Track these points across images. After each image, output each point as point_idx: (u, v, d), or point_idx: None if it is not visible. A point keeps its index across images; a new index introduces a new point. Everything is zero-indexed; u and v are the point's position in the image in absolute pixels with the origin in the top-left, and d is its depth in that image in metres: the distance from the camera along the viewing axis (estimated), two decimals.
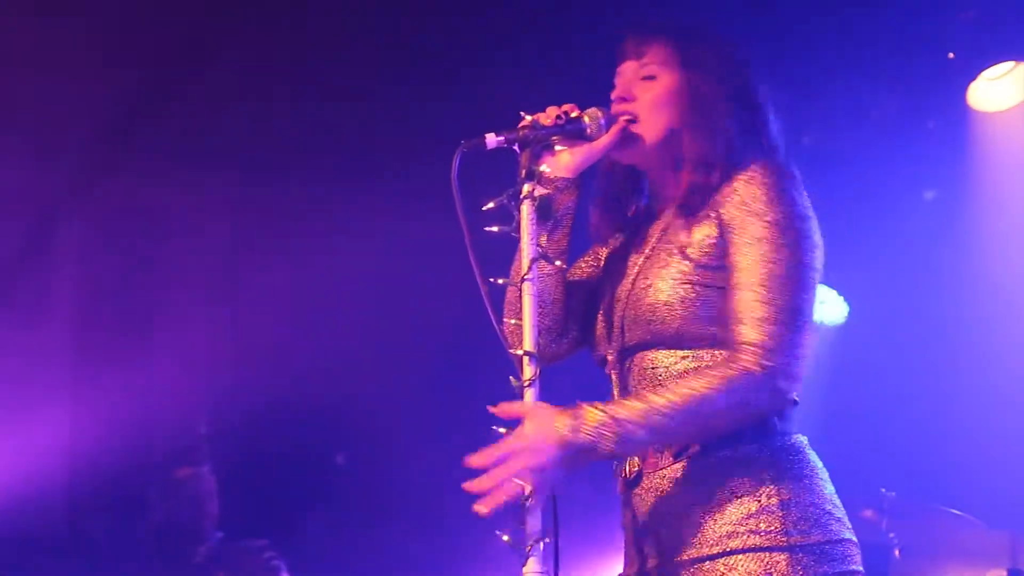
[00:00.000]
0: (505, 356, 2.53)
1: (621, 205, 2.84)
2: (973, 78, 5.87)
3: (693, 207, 2.61)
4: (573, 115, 2.65)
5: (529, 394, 2.48)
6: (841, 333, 6.22)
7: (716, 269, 2.54)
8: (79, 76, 5.36)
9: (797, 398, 2.61)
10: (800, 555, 2.46)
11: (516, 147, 2.61)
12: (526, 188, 2.60)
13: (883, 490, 5.44)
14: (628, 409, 2.40)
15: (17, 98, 5.38)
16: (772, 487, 2.50)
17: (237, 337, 6.01)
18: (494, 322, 2.57)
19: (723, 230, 2.55)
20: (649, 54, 2.71)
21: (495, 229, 2.58)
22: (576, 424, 2.38)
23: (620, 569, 2.69)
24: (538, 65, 5.51)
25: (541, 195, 2.62)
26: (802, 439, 2.59)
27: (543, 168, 2.64)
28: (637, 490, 2.60)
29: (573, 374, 2.80)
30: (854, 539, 2.56)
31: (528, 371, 2.49)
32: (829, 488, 2.56)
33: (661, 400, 2.41)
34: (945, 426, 6.00)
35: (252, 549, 5.25)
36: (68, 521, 5.78)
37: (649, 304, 2.57)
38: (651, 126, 2.67)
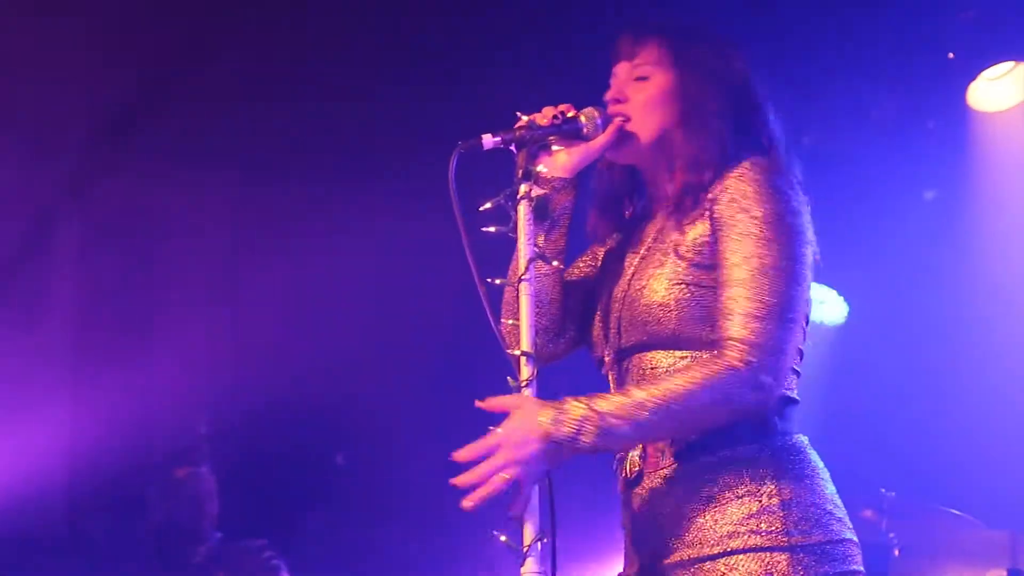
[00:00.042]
0: (504, 356, 2.53)
1: (618, 205, 2.84)
2: (973, 78, 5.88)
3: (687, 206, 2.60)
4: (569, 115, 2.65)
5: (526, 394, 2.48)
6: (841, 333, 6.23)
7: (710, 268, 2.54)
8: (79, 76, 5.36)
9: (797, 397, 2.61)
10: (801, 555, 2.45)
11: (513, 147, 2.61)
12: (523, 188, 2.59)
13: (883, 490, 5.44)
14: (610, 403, 2.41)
15: (17, 98, 5.38)
16: (773, 487, 2.49)
17: (237, 337, 6.01)
18: (492, 322, 2.57)
19: (715, 228, 2.55)
20: (642, 54, 2.70)
21: (492, 229, 2.58)
22: (558, 417, 2.39)
23: (619, 569, 2.69)
24: (538, 65, 5.51)
25: (538, 195, 2.61)
26: (803, 439, 2.59)
27: (540, 168, 2.64)
28: (638, 489, 2.60)
29: (571, 374, 2.80)
30: (855, 539, 2.55)
31: (525, 371, 2.49)
32: (830, 488, 2.56)
33: (643, 395, 2.41)
34: (945, 426, 6.00)
35: (252, 549, 5.25)
36: (68, 521, 5.77)
37: (645, 306, 2.57)
38: (644, 126, 2.67)
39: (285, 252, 5.92)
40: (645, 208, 2.80)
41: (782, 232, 2.50)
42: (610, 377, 2.68)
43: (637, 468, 2.60)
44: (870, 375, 6.24)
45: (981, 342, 6.08)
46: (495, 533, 2.42)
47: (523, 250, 2.57)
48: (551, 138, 2.64)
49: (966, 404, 6.02)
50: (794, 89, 5.48)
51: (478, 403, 2.44)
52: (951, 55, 5.79)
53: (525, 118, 2.63)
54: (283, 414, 5.94)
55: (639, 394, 2.42)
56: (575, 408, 2.40)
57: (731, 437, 2.52)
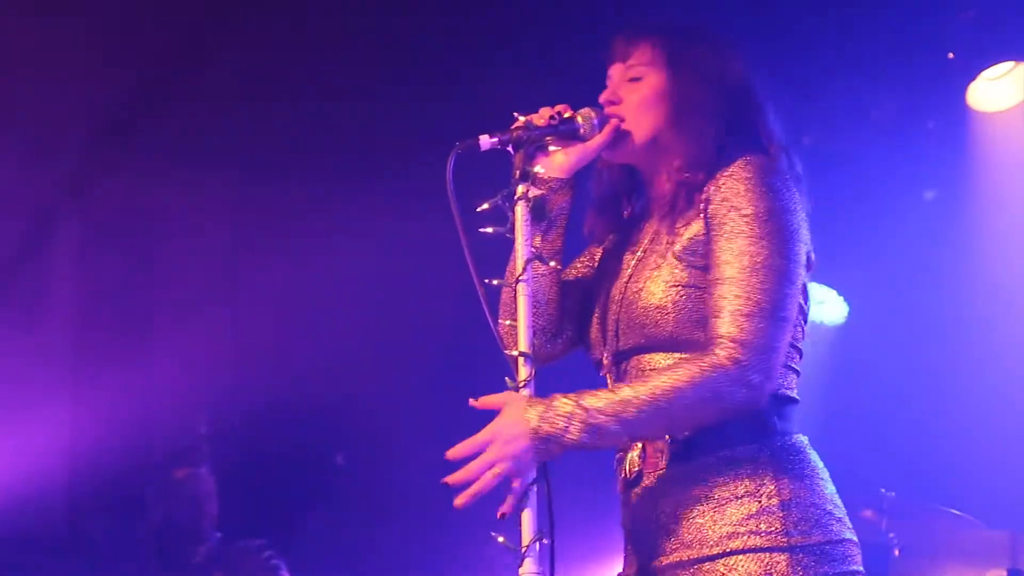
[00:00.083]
0: (504, 356, 2.54)
1: (616, 205, 2.83)
2: (973, 78, 5.87)
3: (681, 206, 2.60)
4: (566, 115, 2.65)
5: (525, 393, 2.48)
6: (841, 333, 6.23)
7: (706, 269, 2.53)
8: (79, 76, 5.36)
9: (797, 396, 2.61)
10: (800, 555, 2.45)
11: (510, 148, 2.61)
12: (520, 189, 2.60)
13: (883, 490, 5.44)
14: (598, 400, 2.41)
15: (17, 98, 5.38)
16: (772, 487, 2.49)
17: (237, 337, 6.01)
18: (490, 323, 2.58)
19: (708, 227, 2.54)
20: (635, 55, 2.70)
21: (490, 230, 2.58)
22: (545, 414, 2.40)
23: (619, 569, 2.69)
24: (538, 65, 5.51)
25: (535, 196, 2.62)
26: (803, 439, 2.59)
27: (537, 169, 2.64)
28: (637, 490, 2.60)
29: (570, 375, 2.80)
30: (855, 539, 2.55)
31: (523, 372, 2.50)
32: (830, 488, 2.56)
33: (631, 392, 2.41)
34: (945, 426, 6.00)
35: (251, 549, 5.25)
36: (68, 521, 5.78)
37: (642, 308, 2.57)
38: (638, 127, 2.66)
39: (285, 252, 5.92)
40: (643, 208, 2.79)
41: (773, 230, 2.49)
42: (609, 379, 2.67)
43: (636, 468, 2.60)
44: (870, 375, 6.24)
45: (981, 342, 6.08)
46: (493, 534, 2.42)
47: (520, 251, 2.57)
48: (548, 139, 2.64)
49: (966, 404, 6.02)
50: (794, 89, 5.49)
51: (471, 402, 2.46)
52: (951, 55, 5.79)
53: (522, 119, 2.63)
54: (283, 414, 5.94)
55: (627, 391, 2.42)
56: (563, 405, 2.41)
57: (730, 437, 2.52)
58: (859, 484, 5.31)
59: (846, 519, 2.55)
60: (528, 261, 2.56)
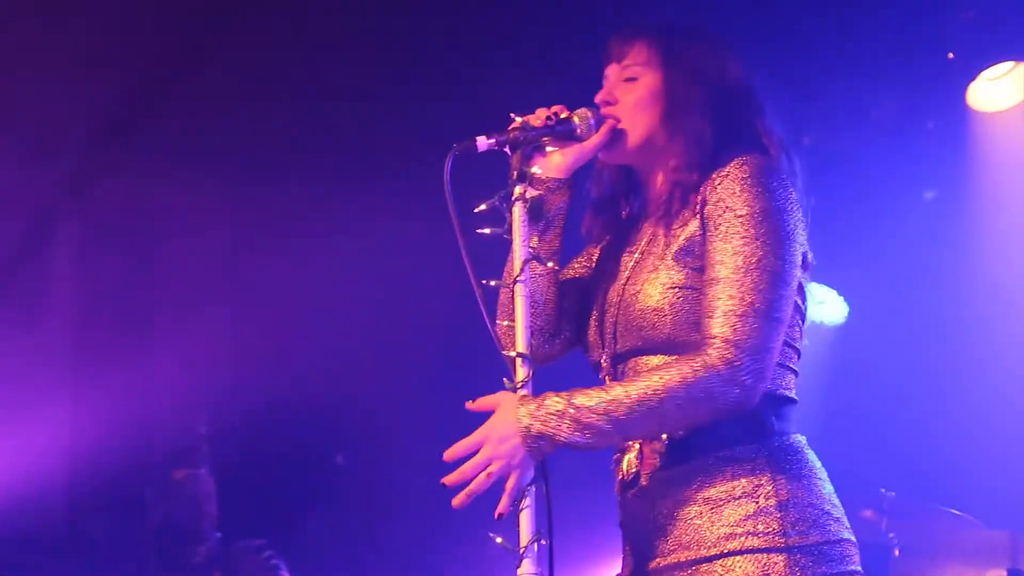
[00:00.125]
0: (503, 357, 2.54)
1: (614, 205, 2.82)
2: (973, 78, 5.87)
3: (678, 207, 2.60)
4: (563, 116, 2.65)
5: (522, 393, 2.48)
6: (841, 333, 6.22)
7: (702, 270, 2.52)
8: (79, 76, 5.36)
9: (795, 396, 2.61)
10: (798, 556, 2.45)
11: (507, 149, 2.61)
12: (517, 190, 2.60)
13: (883, 490, 5.44)
14: (589, 398, 2.41)
15: (17, 98, 5.38)
16: (770, 488, 2.49)
17: (237, 337, 6.00)
18: (488, 324, 2.58)
19: (704, 227, 2.53)
20: (631, 55, 2.69)
21: (487, 231, 2.59)
22: (536, 412, 2.41)
23: (617, 570, 2.69)
24: (538, 65, 5.51)
25: (533, 196, 2.61)
26: (800, 439, 2.58)
27: (534, 169, 2.64)
28: (634, 491, 2.60)
29: (568, 375, 2.80)
30: (853, 539, 2.55)
31: (521, 372, 2.50)
32: (828, 488, 2.55)
33: (622, 391, 2.42)
34: (945, 426, 6.00)
35: (251, 549, 5.26)
36: (68, 521, 5.77)
37: (639, 310, 2.56)
38: (634, 127, 2.66)
39: (285, 252, 5.92)
40: (641, 208, 2.78)
41: (768, 231, 2.49)
42: (607, 381, 2.65)
43: (634, 469, 2.59)
44: (870, 375, 6.24)
45: (981, 342, 6.07)
46: (491, 535, 2.42)
47: (518, 251, 2.57)
48: (545, 139, 2.64)
49: (966, 404, 6.01)
50: (794, 89, 5.49)
51: (468, 405, 2.47)
52: (951, 55, 5.79)
53: (519, 119, 2.63)
54: (283, 414, 5.94)
55: (618, 391, 2.42)
56: (554, 403, 2.41)
57: (728, 438, 2.51)
58: (859, 484, 5.31)
59: (844, 519, 2.55)
60: (526, 262, 2.56)
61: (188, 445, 5.53)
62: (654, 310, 2.54)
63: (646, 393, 2.41)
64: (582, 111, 2.66)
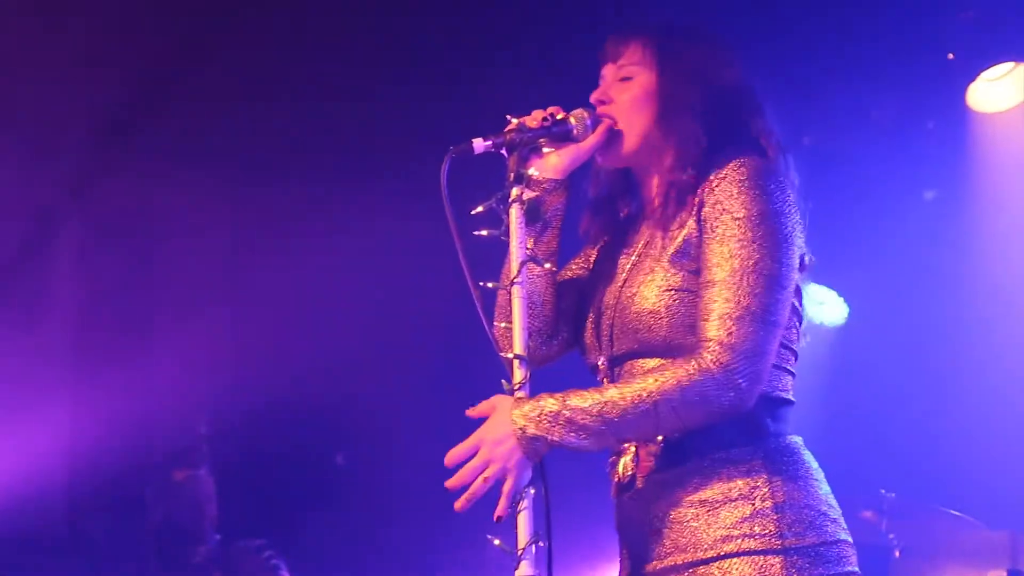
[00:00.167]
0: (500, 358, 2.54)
1: (612, 206, 2.82)
2: (973, 79, 5.87)
3: (673, 208, 2.59)
4: (559, 117, 2.64)
5: (520, 395, 2.49)
6: (841, 333, 6.22)
7: (698, 272, 2.52)
8: (79, 76, 5.36)
9: (792, 398, 2.60)
10: (795, 558, 2.45)
11: (504, 151, 2.61)
12: (514, 191, 2.60)
13: (883, 491, 5.44)
14: (584, 400, 2.42)
15: (17, 98, 5.38)
16: (766, 490, 2.48)
17: (237, 337, 6.01)
18: (486, 326, 2.58)
19: (700, 229, 2.53)
20: (627, 55, 2.69)
21: (484, 233, 2.58)
22: (530, 414, 2.41)
23: (615, 573, 2.69)
24: (538, 65, 5.51)
25: (529, 198, 2.61)
26: (797, 440, 2.58)
27: (531, 171, 2.63)
28: (630, 493, 2.59)
29: (566, 376, 2.80)
30: (850, 540, 2.54)
31: (518, 374, 2.50)
32: (824, 489, 2.55)
33: (617, 393, 2.42)
34: (945, 426, 6.00)
35: (251, 549, 5.26)
36: (68, 521, 5.78)
37: (635, 313, 2.56)
38: (629, 128, 2.66)
39: (285, 252, 5.92)
40: (639, 209, 2.78)
41: (765, 234, 2.48)
42: (604, 383, 2.65)
43: (630, 472, 2.59)
44: (870, 375, 6.23)
45: (981, 342, 6.07)
46: (489, 536, 2.43)
47: (515, 253, 2.57)
48: (541, 140, 2.64)
49: (966, 404, 6.01)
50: (794, 89, 5.48)
51: (468, 412, 2.48)
52: (951, 55, 5.79)
53: (515, 121, 2.63)
54: (283, 414, 5.95)
55: (613, 392, 2.42)
56: (549, 404, 2.42)
57: (723, 440, 2.51)
58: (859, 484, 5.32)
59: (841, 520, 2.55)
60: (523, 263, 2.56)
61: (188, 445, 5.53)
62: (650, 313, 2.54)
63: (641, 395, 2.41)
64: (578, 112, 2.65)
